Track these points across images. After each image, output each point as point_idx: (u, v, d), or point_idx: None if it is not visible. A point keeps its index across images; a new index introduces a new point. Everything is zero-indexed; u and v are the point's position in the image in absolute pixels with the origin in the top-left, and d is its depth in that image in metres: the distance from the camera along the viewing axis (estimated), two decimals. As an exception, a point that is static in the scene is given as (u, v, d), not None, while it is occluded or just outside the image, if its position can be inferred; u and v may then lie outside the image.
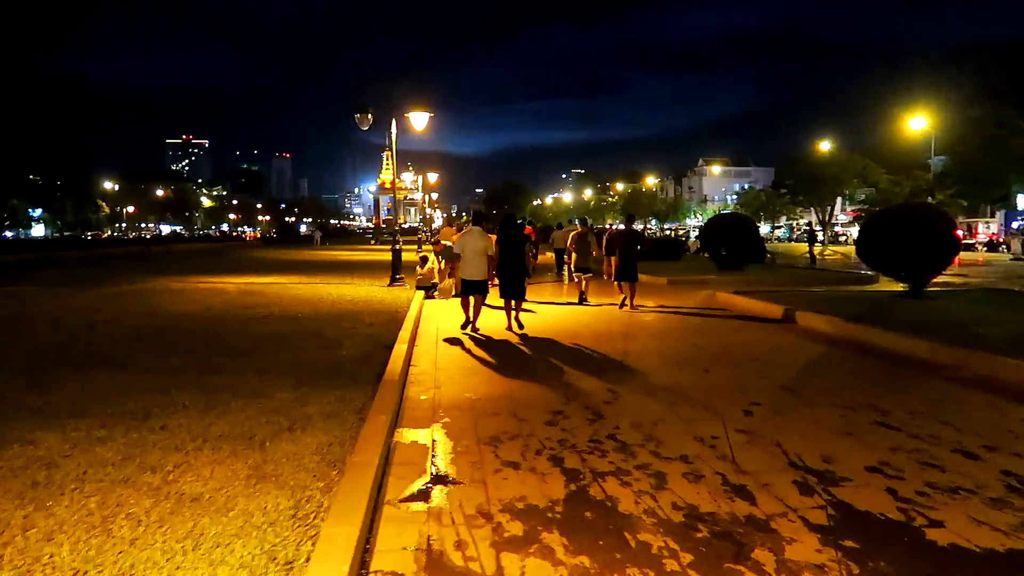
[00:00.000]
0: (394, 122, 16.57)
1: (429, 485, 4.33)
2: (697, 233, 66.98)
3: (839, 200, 68.08)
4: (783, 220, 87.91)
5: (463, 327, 10.61)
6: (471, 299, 10.68)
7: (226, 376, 6.55)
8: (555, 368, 7.96)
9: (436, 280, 16.64)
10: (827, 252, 39.87)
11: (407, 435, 5.36)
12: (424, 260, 15.85)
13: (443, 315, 12.81)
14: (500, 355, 8.80)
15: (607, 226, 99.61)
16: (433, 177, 72.39)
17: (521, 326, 10.79)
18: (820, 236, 61.06)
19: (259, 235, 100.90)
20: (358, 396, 5.94)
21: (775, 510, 3.93)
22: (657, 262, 25.07)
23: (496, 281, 10.97)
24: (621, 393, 6.68)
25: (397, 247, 17.02)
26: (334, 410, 5.49)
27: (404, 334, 9.37)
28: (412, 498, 4.10)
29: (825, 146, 61.12)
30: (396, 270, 16.89)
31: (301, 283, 16.90)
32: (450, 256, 15.90)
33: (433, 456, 4.87)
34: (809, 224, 40.15)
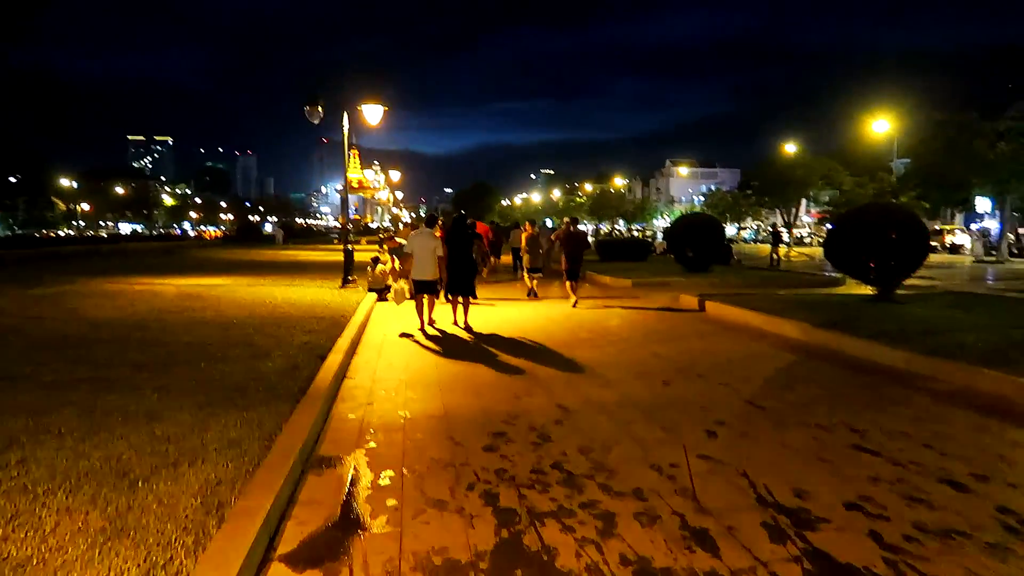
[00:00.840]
0: (346, 116, 15.77)
1: (333, 533, 3.62)
2: (664, 234, 66.93)
3: (804, 202, 68.53)
4: (749, 221, 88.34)
5: (420, 329, 10.76)
6: (424, 299, 10.98)
7: (123, 394, 5.75)
8: (502, 379, 7.29)
9: (390, 282, 15.87)
10: (792, 254, 39.76)
11: (322, 465, 4.64)
12: (376, 261, 15.06)
13: (393, 319, 12.07)
14: (445, 364, 8.10)
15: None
16: (396, 175, 71.34)
17: (468, 327, 10.96)
18: (785, 237, 61.28)
19: (220, 234, 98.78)
20: (271, 418, 5.19)
21: (742, 564, 3.30)
22: (623, 263, 24.58)
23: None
24: (572, 410, 6.03)
25: (349, 247, 16.22)
26: (238, 436, 4.74)
27: (343, 342, 8.62)
28: (307, 555, 3.39)
29: (791, 148, 61.42)
30: (348, 271, 16.09)
31: (248, 285, 16.01)
32: (402, 255, 15.20)
33: (347, 494, 4.16)
34: (774, 226, 39.92)
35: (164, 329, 9.22)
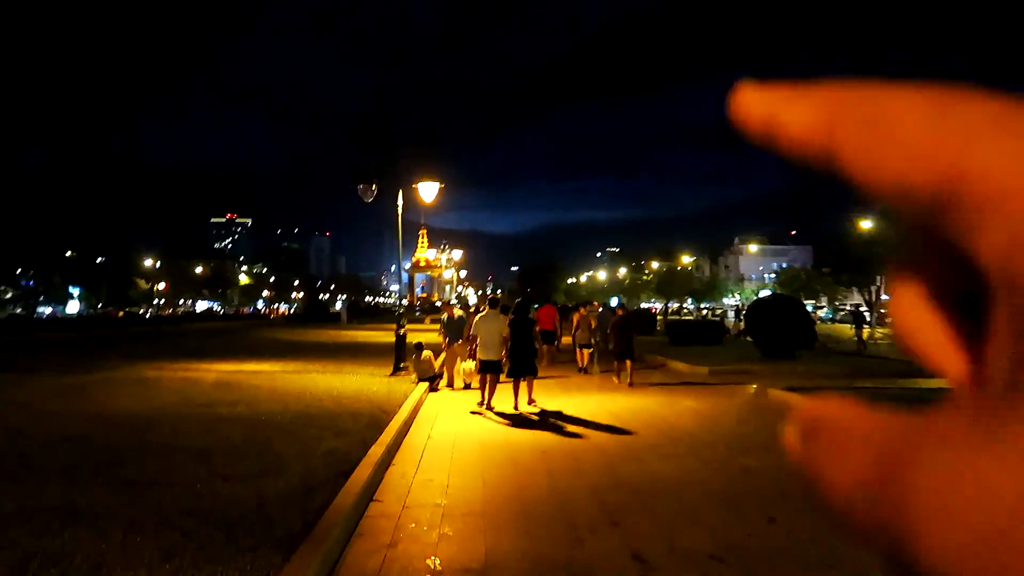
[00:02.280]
0: (400, 194, 15.01)
1: None
2: (737, 314, 64.48)
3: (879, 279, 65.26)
4: (824, 300, 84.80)
5: (479, 404, 11.33)
6: (488, 377, 11.42)
7: (80, 531, 4.60)
8: (559, 504, 5.88)
9: (440, 370, 14.70)
10: (877, 335, 37.11)
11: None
12: (420, 348, 13.91)
13: (444, 414, 10.81)
14: (492, 478, 6.74)
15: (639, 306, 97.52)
16: (458, 254, 71.46)
17: (532, 401, 11.54)
18: (868, 317, 57.90)
19: (284, 313, 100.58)
20: (256, 573, 3.94)
21: None
22: (697, 347, 22.89)
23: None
24: (655, 566, 4.57)
25: (401, 332, 15.18)
26: (197, 611, 3.49)
27: (377, 449, 7.39)
28: None
29: (867, 224, 58.88)
30: (400, 357, 15.01)
31: (294, 371, 15.08)
32: (453, 331, 14.16)
33: None
34: (856, 306, 37.52)
35: (177, 430, 8.17)
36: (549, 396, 12.76)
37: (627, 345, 14.25)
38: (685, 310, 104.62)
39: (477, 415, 10.67)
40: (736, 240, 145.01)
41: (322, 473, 6.31)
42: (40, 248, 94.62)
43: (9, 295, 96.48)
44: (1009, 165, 0.14)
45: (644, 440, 8.70)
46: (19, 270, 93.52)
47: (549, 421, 10.15)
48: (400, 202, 14.93)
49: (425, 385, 13.25)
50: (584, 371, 16.50)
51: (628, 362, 14.23)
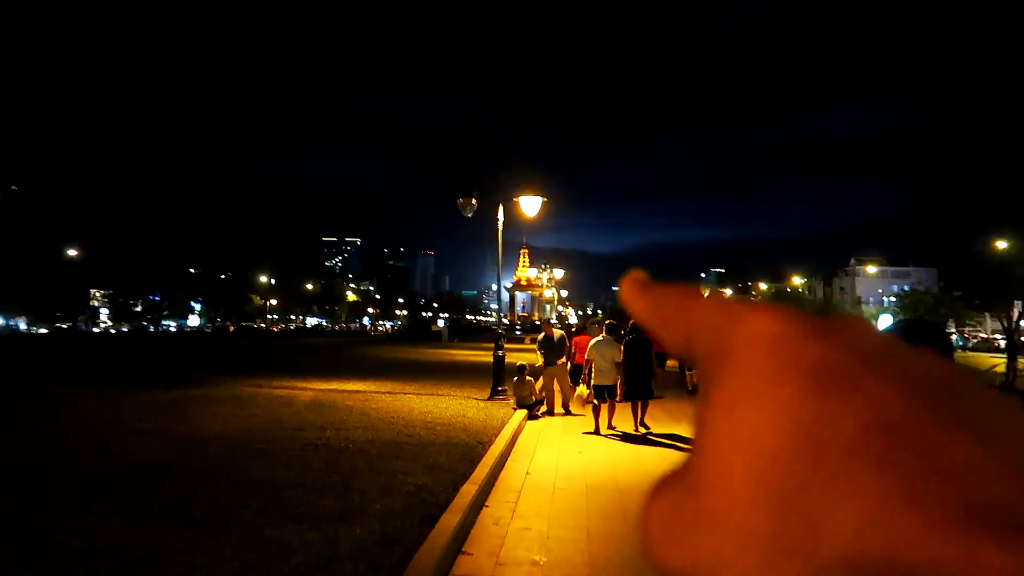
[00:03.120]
0: (501, 208, 14.33)
1: None
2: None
3: (1020, 304, 59.72)
4: (951, 326, 78.72)
5: (595, 431, 11.21)
6: (602, 403, 11.43)
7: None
8: None
9: (540, 395, 13.83)
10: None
11: None
12: (523, 371, 13.06)
13: (544, 446, 9.93)
14: (598, 528, 5.79)
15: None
16: (560, 273, 70.65)
17: (647, 427, 11.31)
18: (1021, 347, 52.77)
19: (388, 330, 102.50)
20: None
21: None
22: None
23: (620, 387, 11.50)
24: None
25: (500, 353, 14.42)
26: None
27: (470, 488, 6.58)
28: None
29: (1002, 244, 54.11)
30: (498, 380, 14.24)
31: (390, 392, 14.59)
32: (553, 351, 13.27)
33: None
34: (1012, 333, 34.05)
35: (260, 456, 7.63)
36: (657, 423, 11.67)
37: (645, 380, 13.07)
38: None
39: (578, 451, 9.73)
40: (852, 261, 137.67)
41: (406, 517, 5.54)
42: (166, 264, 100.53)
43: (138, 308, 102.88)
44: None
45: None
46: (146, 286, 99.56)
47: (661, 458, 9.09)
48: (501, 217, 14.25)
49: (524, 412, 12.42)
50: (692, 391, 16.26)
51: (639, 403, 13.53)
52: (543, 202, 14.15)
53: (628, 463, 8.85)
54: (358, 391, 14.60)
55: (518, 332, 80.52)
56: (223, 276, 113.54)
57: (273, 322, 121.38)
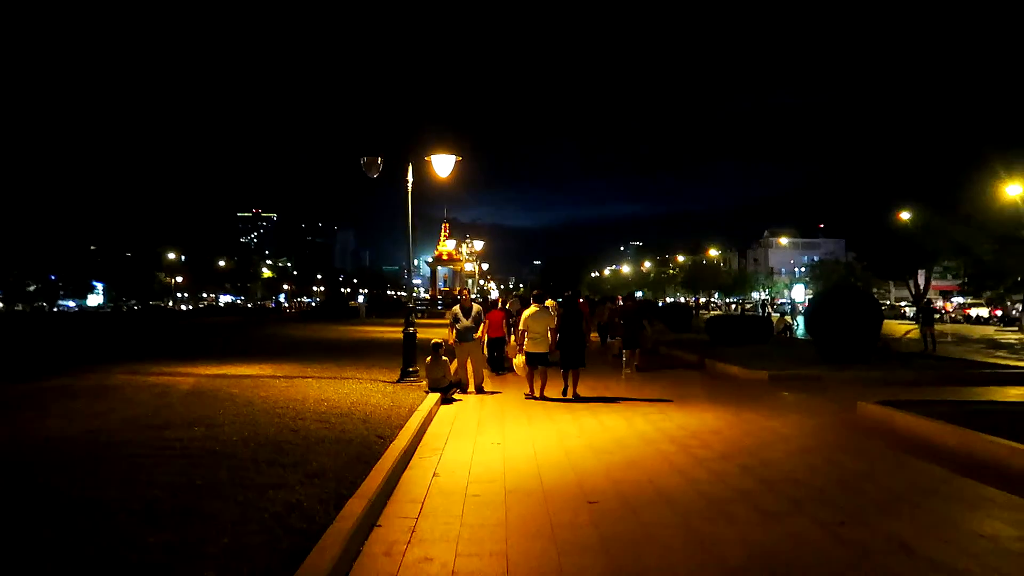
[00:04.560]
0: (410, 167, 12.78)
1: None
2: (778, 309, 61.46)
3: (922, 273, 61.73)
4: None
5: (530, 396, 11.77)
6: (537, 370, 11.83)
7: None
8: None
9: (459, 377, 12.50)
10: (936, 332, 34.31)
11: None
12: (437, 349, 11.67)
13: (458, 438, 8.59)
14: (522, 561, 4.49)
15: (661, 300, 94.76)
16: (479, 244, 69.23)
17: (577, 396, 11.72)
18: (938, 314, 54.36)
19: (300, 307, 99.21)
20: None
21: None
22: (743, 347, 20.44)
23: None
24: None
25: (411, 329, 12.96)
26: None
27: (357, 504, 5.19)
28: None
29: (906, 215, 55.60)
30: (409, 360, 12.80)
31: (286, 376, 12.95)
32: (467, 326, 12.58)
33: None
34: (929, 301, 34.70)
35: (96, 469, 5.96)
36: (590, 412, 10.51)
37: (634, 335, 16.31)
38: (713, 304, 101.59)
39: (496, 441, 8.43)
40: (766, 233, 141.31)
41: (258, 560, 4.10)
42: (62, 241, 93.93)
43: (32, 288, 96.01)
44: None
45: (728, 484, 6.39)
46: (41, 264, 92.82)
47: (593, 450, 7.88)
48: (410, 178, 12.70)
49: (437, 396, 11.04)
50: (616, 357, 17.37)
51: (636, 351, 16.22)
52: (457, 161, 12.66)
53: (553, 454, 7.60)
54: (250, 376, 12.90)
55: (440, 307, 78.76)
56: (128, 254, 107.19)
57: (182, 301, 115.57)
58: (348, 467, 6.26)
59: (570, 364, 11.88)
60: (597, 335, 20.83)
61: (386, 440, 7.56)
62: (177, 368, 14.00)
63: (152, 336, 26.85)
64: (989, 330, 40.43)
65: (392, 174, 13.13)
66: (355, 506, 5.16)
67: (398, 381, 12.49)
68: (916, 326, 39.94)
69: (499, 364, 15.29)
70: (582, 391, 12.00)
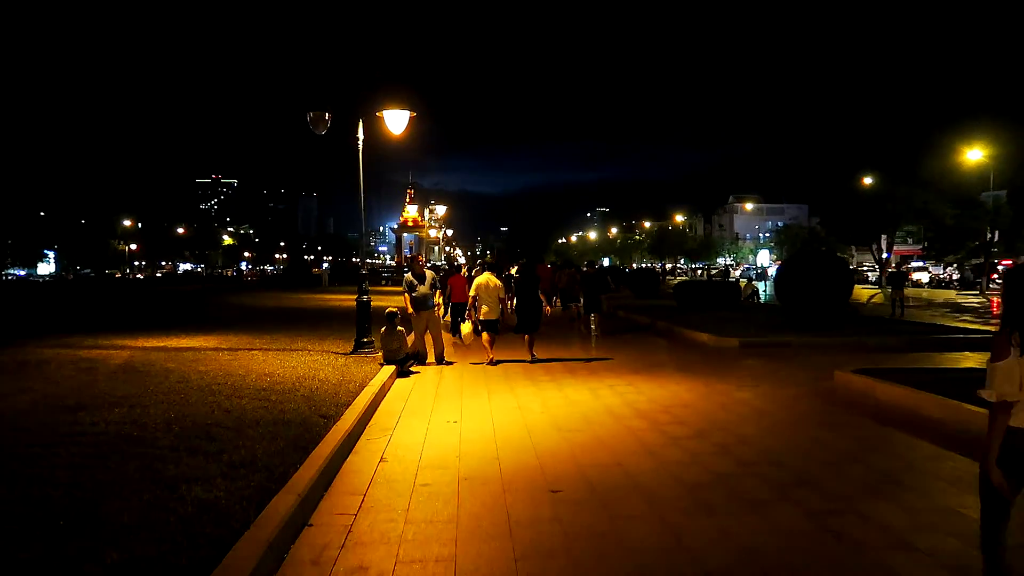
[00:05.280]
0: (361, 124, 11.89)
1: None
2: (743, 274, 61.49)
3: (882, 237, 62.21)
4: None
5: (490, 363, 11.65)
6: (490, 336, 11.85)
7: None
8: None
9: (417, 348, 11.80)
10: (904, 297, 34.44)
11: None
12: (392, 319, 10.93)
13: (411, 415, 7.91)
14: (471, 569, 3.86)
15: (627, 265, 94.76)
16: (441, 210, 68.14)
17: (534, 358, 11.91)
18: (871, 277, 54.83)
19: (257, 275, 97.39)
20: None
21: None
22: (710, 312, 20.02)
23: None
24: None
25: (365, 297, 12.19)
26: None
27: (285, 501, 4.50)
28: None
29: (869, 180, 55.82)
30: (363, 331, 12.04)
31: (232, 349, 12.14)
32: (423, 295, 11.91)
33: None
34: (899, 264, 34.63)
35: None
36: (555, 384, 9.89)
37: (595, 299, 16.56)
38: (679, 270, 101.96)
39: (453, 419, 7.76)
40: (731, 198, 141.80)
41: (155, 576, 3.39)
42: (10, 208, 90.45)
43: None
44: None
45: (704, 467, 5.81)
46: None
47: (558, 428, 7.26)
48: (361, 135, 11.81)
49: (391, 369, 10.34)
50: (574, 320, 18.30)
51: (595, 315, 16.35)
52: (411, 117, 11.78)
53: (514, 433, 6.97)
54: (193, 348, 12.05)
55: (406, 273, 77.67)
56: (82, 221, 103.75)
57: (139, 269, 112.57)
58: (281, 454, 5.55)
59: (527, 329, 12.17)
60: (559, 300, 20.45)
61: (330, 420, 6.86)
62: (115, 341, 13.07)
63: (98, 306, 25.60)
64: (951, 294, 40.71)
65: (349, 134, 12.25)
66: (282, 504, 4.46)
67: (351, 353, 11.74)
68: (880, 290, 40.24)
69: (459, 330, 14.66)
70: (546, 357, 12.16)
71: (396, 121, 11.72)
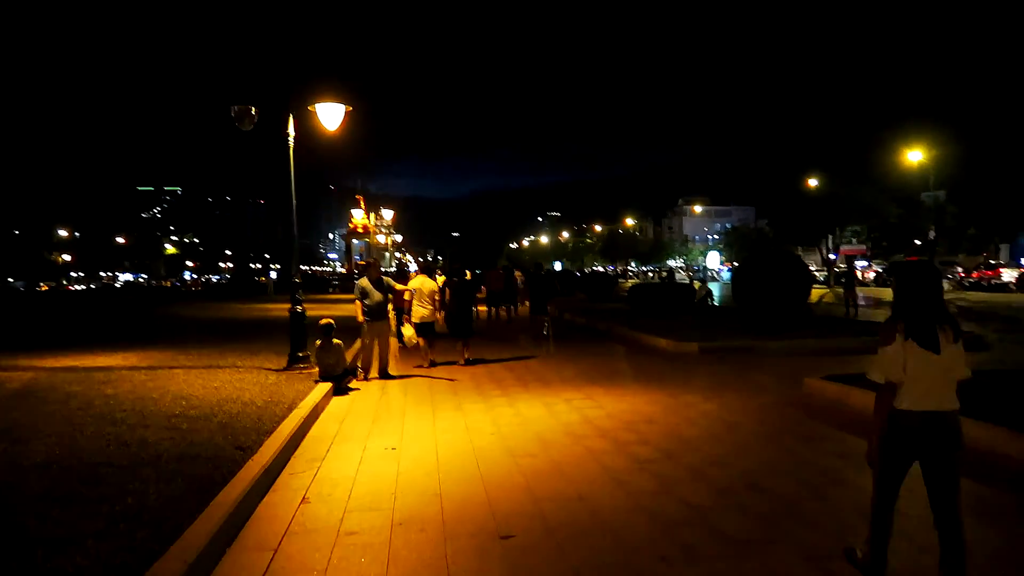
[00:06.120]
0: (292, 119, 10.92)
1: None
2: (694, 276, 61.69)
3: (828, 237, 63.11)
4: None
5: (431, 363, 11.99)
6: (424, 340, 11.91)
7: None
8: None
9: (360, 362, 10.90)
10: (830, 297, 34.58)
11: None
12: (329, 331, 9.97)
13: (345, 439, 7.00)
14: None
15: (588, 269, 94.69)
16: (389, 214, 66.89)
17: (469, 361, 12.30)
18: (859, 278, 55.22)
19: (199, 285, 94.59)
20: None
21: None
22: (664, 318, 19.42)
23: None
24: None
25: (299, 308, 11.21)
26: None
27: (171, 570, 3.58)
28: None
29: (814, 182, 56.63)
30: (298, 344, 11.05)
31: (151, 367, 11.03)
32: (377, 303, 11.05)
33: None
34: (849, 262, 34.72)
35: None
36: (506, 398, 9.08)
37: (541, 303, 16.76)
38: (630, 273, 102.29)
39: (391, 446, 6.86)
40: (680, 201, 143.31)
41: None
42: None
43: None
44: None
45: (678, 497, 5.06)
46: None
47: (510, 452, 6.44)
48: (292, 131, 10.82)
49: (327, 386, 9.39)
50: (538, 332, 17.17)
51: (541, 317, 16.61)
52: (346, 111, 10.87)
53: (460, 461, 6.13)
54: (107, 368, 10.90)
55: (358, 279, 76.00)
56: (16, 232, 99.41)
57: (76, 280, 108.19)
58: (178, 500, 4.63)
59: (460, 333, 12.62)
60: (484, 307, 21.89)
61: (247, 452, 5.93)
62: (19, 360, 11.82)
63: (16, 321, 23.89)
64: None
65: (297, 138, 11.27)
66: (176, 566, 3.56)
67: (284, 369, 10.75)
68: (829, 290, 40.48)
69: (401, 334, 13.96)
70: (495, 360, 12.85)
71: (330, 115, 10.78)
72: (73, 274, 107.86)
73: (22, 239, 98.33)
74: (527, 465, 5.98)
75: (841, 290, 24.67)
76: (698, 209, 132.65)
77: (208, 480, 5.10)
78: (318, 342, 10.08)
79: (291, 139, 10.94)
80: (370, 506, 5.05)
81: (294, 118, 11.05)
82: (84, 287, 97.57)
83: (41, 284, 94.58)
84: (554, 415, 8.01)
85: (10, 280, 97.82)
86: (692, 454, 6.20)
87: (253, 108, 10.59)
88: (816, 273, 66.78)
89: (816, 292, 38.89)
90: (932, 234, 44.55)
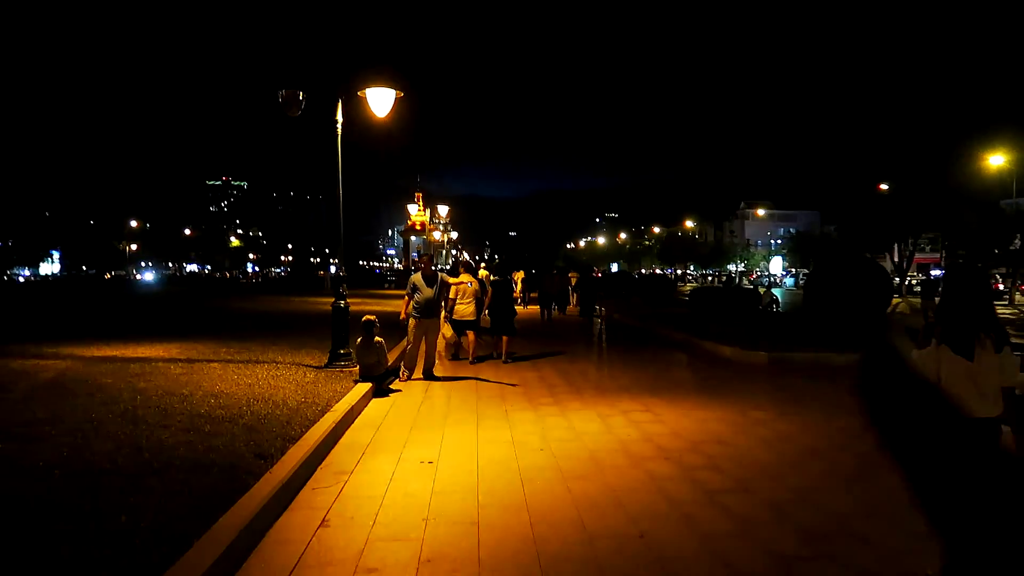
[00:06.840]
0: (340, 104, 10.37)
1: None
2: (754, 282, 59.79)
3: (895, 246, 60.28)
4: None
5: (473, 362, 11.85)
6: (464, 337, 12.15)
7: None
8: None
9: (406, 361, 10.30)
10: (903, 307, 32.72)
11: None
12: (370, 328, 9.37)
13: (381, 446, 6.36)
14: None
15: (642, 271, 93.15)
16: (444, 210, 66.70)
17: (507, 359, 12.13)
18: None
19: (258, 277, 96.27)
20: None
21: None
22: (732, 323, 18.38)
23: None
24: None
25: (342, 303, 10.67)
26: None
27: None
28: None
29: (885, 187, 54.17)
30: (340, 342, 10.52)
31: (189, 360, 10.65)
32: (428, 299, 10.61)
33: None
34: (931, 273, 32.95)
35: None
36: (559, 408, 8.33)
37: (589, 303, 18.51)
38: (689, 277, 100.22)
39: (428, 459, 6.18)
40: (742, 204, 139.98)
41: None
42: (14, 208, 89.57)
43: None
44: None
45: (760, 543, 4.24)
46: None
47: (560, 473, 5.69)
48: (340, 118, 10.29)
49: (367, 387, 8.80)
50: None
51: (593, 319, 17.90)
52: (397, 97, 10.27)
53: (504, 482, 5.41)
54: (144, 359, 10.54)
55: (414, 273, 76.31)
56: (91, 222, 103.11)
57: (145, 270, 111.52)
58: (177, 522, 4.02)
59: (501, 331, 12.65)
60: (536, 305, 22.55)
61: (267, 462, 5.33)
62: (62, 349, 11.59)
63: (73, 308, 24.20)
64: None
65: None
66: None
67: (324, 367, 10.22)
68: (902, 299, 38.49)
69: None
70: (539, 354, 13.17)
71: (380, 101, 10.20)
72: (142, 264, 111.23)
73: (95, 229, 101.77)
74: (579, 491, 5.23)
75: (918, 301, 23.16)
76: (761, 213, 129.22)
77: (217, 496, 4.50)
78: (359, 339, 9.50)
79: (339, 125, 10.39)
80: (396, 535, 4.38)
81: (342, 105, 10.52)
82: (142, 277, 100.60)
83: (106, 272, 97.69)
84: (610, 430, 7.23)
85: (83, 268, 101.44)
86: (773, 486, 5.35)
87: (300, 93, 10.07)
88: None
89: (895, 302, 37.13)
90: (1018, 243, 42.02)
